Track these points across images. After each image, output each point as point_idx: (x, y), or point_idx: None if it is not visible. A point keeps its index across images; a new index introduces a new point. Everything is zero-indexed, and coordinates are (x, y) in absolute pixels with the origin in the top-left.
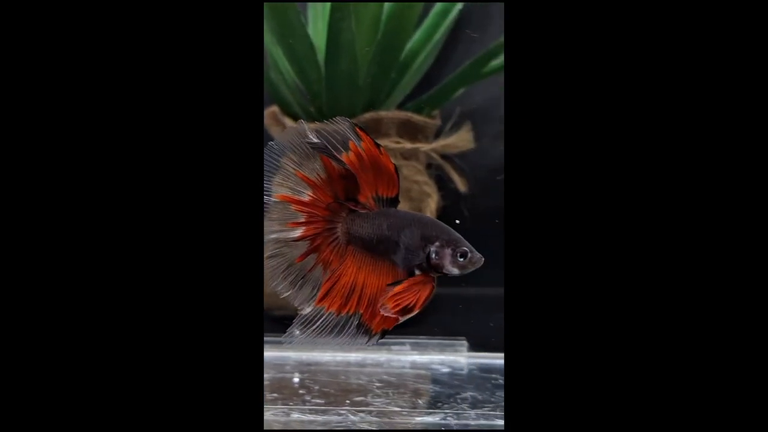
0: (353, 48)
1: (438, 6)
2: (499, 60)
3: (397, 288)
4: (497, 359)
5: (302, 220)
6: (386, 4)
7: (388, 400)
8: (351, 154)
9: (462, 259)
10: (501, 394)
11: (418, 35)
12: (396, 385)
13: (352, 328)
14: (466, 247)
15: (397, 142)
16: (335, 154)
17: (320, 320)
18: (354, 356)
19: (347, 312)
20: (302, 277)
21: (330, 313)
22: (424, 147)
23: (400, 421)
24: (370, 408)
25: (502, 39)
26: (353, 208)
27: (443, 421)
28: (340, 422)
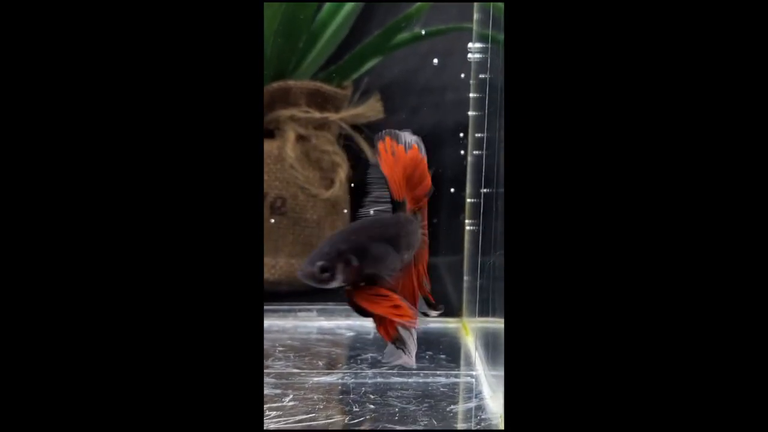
0: None
1: None
2: (411, 33)
3: None
4: None
5: None
6: None
7: (288, 363)
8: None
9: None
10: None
11: (327, 6)
12: (298, 349)
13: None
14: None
15: (306, 112)
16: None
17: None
18: None
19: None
20: None
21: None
22: (332, 116)
23: (297, 382)
24: (269, 371)
25: (410, 11)
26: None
27: (340, 381)
28: None
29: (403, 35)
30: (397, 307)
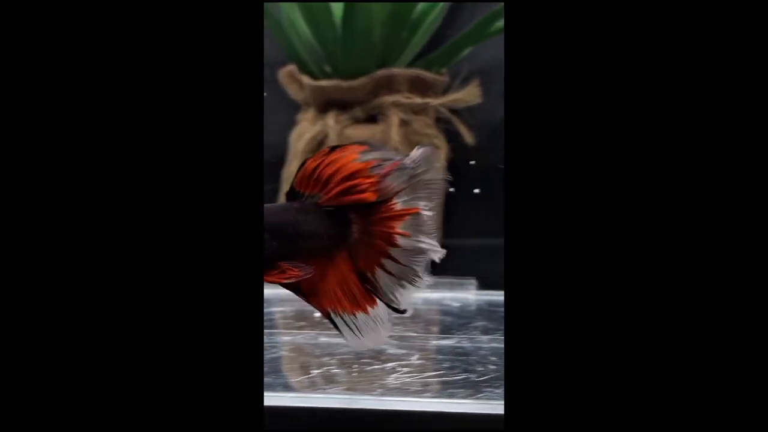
0: (368, 8)
1: None
2: (501, 22)
3: None
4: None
5: None
6: None
7: (405, 328)
8: None
9: None
10: None
11: None
12: (411, 316)
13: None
14: None
15: (408, 98)
16: None
17: None
18: None
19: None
20: None
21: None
22: (433, 102)
23: (418, 344)
24: (391, 334)
25: (502, 4)
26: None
27: (458, 344)
28: None
29: (498, 25)
30: (283, 272)
